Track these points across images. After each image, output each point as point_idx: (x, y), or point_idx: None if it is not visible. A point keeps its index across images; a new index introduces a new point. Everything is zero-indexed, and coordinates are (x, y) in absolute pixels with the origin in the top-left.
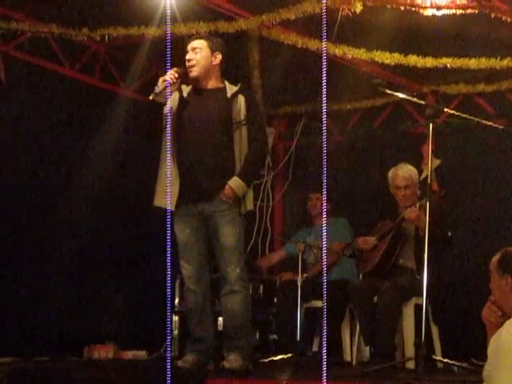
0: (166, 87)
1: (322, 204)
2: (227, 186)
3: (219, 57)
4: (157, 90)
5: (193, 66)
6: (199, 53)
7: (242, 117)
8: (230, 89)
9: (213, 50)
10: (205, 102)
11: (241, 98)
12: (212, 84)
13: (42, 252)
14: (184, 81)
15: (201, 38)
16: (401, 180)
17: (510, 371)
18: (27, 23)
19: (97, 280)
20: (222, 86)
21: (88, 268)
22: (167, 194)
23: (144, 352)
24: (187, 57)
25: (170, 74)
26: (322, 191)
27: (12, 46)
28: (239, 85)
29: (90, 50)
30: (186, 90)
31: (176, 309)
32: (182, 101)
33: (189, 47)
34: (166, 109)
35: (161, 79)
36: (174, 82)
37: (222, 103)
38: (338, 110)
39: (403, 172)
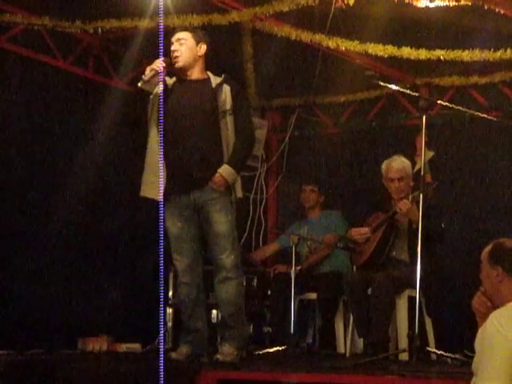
0: (153, 75)
1: (315, 196)
2: (218, 174)
3: (204, 47)
4: (145, 78)
5: (178, 57)
6: (184, 44)
7: (228, 106)
8: (215, 79)
9: (197, 41)
10: (190, 92)
11: (226, 88)
12: (196, 75)
13: (35, 245)
14: (168, 72)
15: (185, 29)
16: (394, 172)
17: (495, 363)
18: (20, 15)
19: (90, 272)
20: (206, 76)
21: (81, 260)
22: (154, 184)
23: (138, 344)
24: (172, 48)
25: (157, 64)
26: (315, 183)
27: (4, 38)
28: (223, 75)
29: (83, 43)
30: (170, 81)
31: (170, 301)
32: (167, 92)
33: (173, 39)
34: (154, 97)
35: (148, 68)
36: (160, 72)
37: (207, 93)
38: (331, 103)
39: (397, 164)
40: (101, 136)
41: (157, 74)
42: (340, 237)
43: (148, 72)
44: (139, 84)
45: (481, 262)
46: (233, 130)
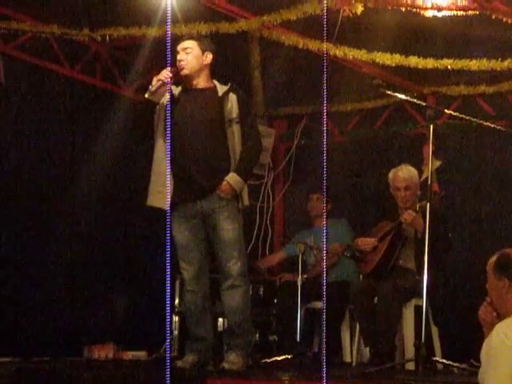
0: (160, 86)
1: (322, 205)
2: (225, 182)
3: (210, 56)
4: (152, 88)
5: (184, 66)
6: (190, 53)
7: (234, 114)
8: (221, 88)
9: (203, 50)
10: (196, 101)
11: (232, 97)
12: (202, 83)
13: (42, 252)
14: (175, 81)
15: (191, 38)
16: (401, 181)
17: (500, 374)
18: (28, 23)
19: (97, 280)
20: (212, 85)
21: (88, 268)
22: (162, 193)
23: (144, 352)
24: (178, 57)
25: (164, 74)
26: (322, 192)
27: (12, 45)
28: (229, 84)
29: (91, 51)
30: (175, 90)
31: (176, 309)
32: (173, 101)
33: (179, 48)
34: (160, 107)
35: (155, 78)
36: (167, 82)
37: (214, 102)
38: (338, 111)
39: (403, 173)
40: (108, 144)
41: (164, 84)
42: (346, 246)
43: (155, 82)
44: (146, 95)
45: (487, 272)
46: (239, 139)
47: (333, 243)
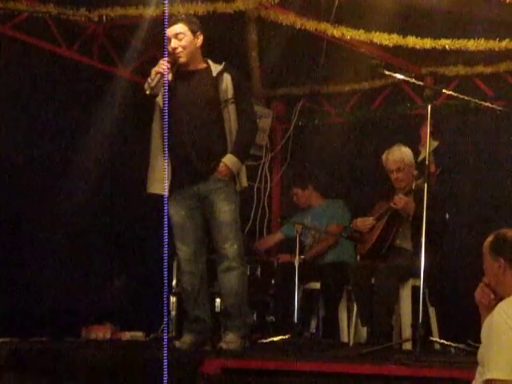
0: (159, 79)
1: (306, 197)
2: (222, 164)
3: (201, 37)
4: (152, 83)
5: (180, 53)
6: (183, 39)
7: (230, 95)
8: (215, 68)
9: (194, 32)
10: (191, 83)
11: (226, 77)
12: (196, 65)
13: (40, 232)
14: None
15: (179, 21)
16: (391, 164)
17: (502, 353)
18: (24, 3)
19: (95, 261)
20: (205, 65)
21: (86, 249)
22: (160, 179)
23: (141, 333)
24: (172, 45)
25: (162, 65)
26: (302, 185)
27: (9, 25)
28: (223, 63)
29: (88, 31)
30: (169, 73)
31: (173, 290)
32: (169, 85)
33: (170, 34)
34: (160, 100)
35: (153, 71)
36: (166, 73)
37: (208, 83)
38: (336, 92)
39: (393, 156)
40: (105, 124)
41: (162, 76)
42: (344, 227)
43: (153, 76)
44: (147, 91)
45: (483, 253)
46: (235, 119)
47: (330, 223)
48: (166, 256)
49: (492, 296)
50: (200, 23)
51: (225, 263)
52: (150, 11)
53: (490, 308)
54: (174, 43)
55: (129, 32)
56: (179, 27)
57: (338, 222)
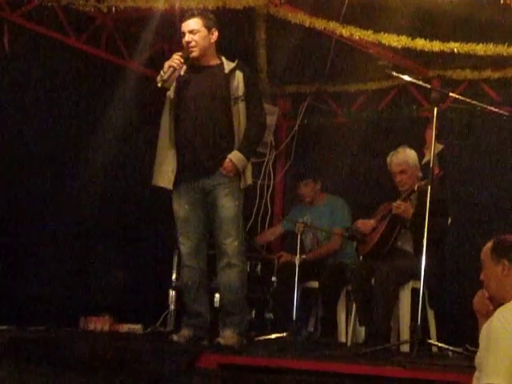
0: (172, 73)
1: (315, 191)
2: (227, 160)
3: (216, 33)
4: (164, 76)
5: (193, 47)
6: (197, 33)
7: (240, 92)
8: (228, 65)
9: (209, 28)
10: (203, 78)
11: (238, 74)
12: (209, 61)
13: (41, 223)
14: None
15: (195, 16)
16: (395, 166)
17: (500, 358)
18: None
19: (95, 252)
20: (219, 62)
21: (87, 240)
22: (166, 173)
23: (140, 325)
24: (186, 39)
25: (176, 60)
26: (314, 179)
27: (18, 14)
28: (236, 61)
29: (97, 22)
30: (182, 68)
31: (173, 284)
32: (180, 79)
33: (185, 29)
34: (170, 93)
35: (166, 64)
36: (179, 67)
37: (220, 79)
38: (342, 92)
39: (397, 158)
40: (112, 115)
41: (175, 70)
42: (346, 228)
43: (166, 69)
44: (159, 84)
45: (482, 261)
46: (244, 117)
47: (330, 222)
48: (166, 250)
49: (491, 307)
50: (215, 19)
51: (224, 260)
52: (160, 4)
53: (488, 316)
54: (187, 37)
55: (138, 24)
56: (194, 22)
57: (341, 224)
